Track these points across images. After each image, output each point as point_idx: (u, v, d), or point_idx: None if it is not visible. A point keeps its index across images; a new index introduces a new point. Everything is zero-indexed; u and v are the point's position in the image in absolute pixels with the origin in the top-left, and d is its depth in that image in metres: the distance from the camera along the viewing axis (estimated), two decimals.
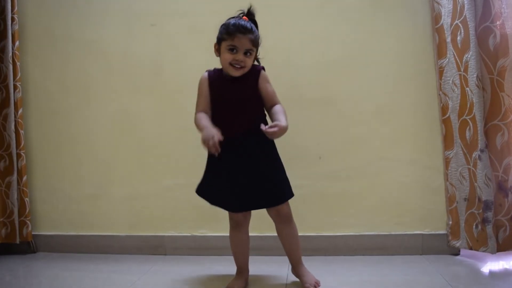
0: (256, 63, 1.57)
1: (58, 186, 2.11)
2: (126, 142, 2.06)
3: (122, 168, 2.06)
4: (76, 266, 1.88)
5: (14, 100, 2.03)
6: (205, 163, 1.96)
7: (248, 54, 1.47)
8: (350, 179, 1.91)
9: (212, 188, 1.53)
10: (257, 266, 1.74)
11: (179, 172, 2.01)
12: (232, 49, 1.46)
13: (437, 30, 1.81)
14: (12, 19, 2.04)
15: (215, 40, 1.98)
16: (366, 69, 1.92)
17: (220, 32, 1.50)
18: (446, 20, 1.78)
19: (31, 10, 2.13)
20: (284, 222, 1.54)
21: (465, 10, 1.70)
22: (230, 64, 1.47)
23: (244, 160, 1.48)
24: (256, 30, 1.49)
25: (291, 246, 1.57)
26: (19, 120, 2.06)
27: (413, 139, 1.89)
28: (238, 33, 1.43)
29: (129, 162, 2.06)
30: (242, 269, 1.59)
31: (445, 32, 1.79)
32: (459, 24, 1.73)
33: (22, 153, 2.06)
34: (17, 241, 2.04)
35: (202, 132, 1.43)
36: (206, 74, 1.56)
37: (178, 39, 2.02)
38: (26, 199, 2.06)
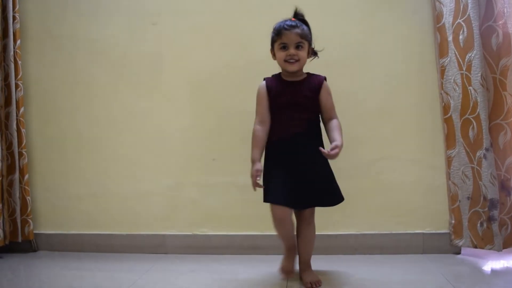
0: (312, 56, 1.61)
1: (60, 185, 2.11)
2: (127, 141, 2.06)
3: (123, 167, 2.06)
4: (77, 265, 1.88)
5: (15, 99, 2.04)
6: (205, 162, 1.98)
7: (300, 47, 1.52)
8: (352, 179, 1.90)
9: (274, 187, 1.51)
10: (259, 265, 1.74)
11: (180, 171, 2.02)
12: (283, 47, 1.52)
13: (439, 29, 1.81)
14: (14, 18, 2.04)
15: (215, 39, 1.98)
16: (367, 68, 1.91)
17: (271, 36, 1.56)
18: (447, 19, 1.78)
19: (33, 9, 2.13)
20: (304, 223, 1.58)
21: (469, 9, 1.69)
22: (285, 60, 1.53)
23: (299, 160, 1.51)
24: (303, 25, 1.54)
25: (303, 247, 1.59)
26: (21, 119, 2.06)
27: (414, 138, 1.89)
28: (284, 30, 1.51)
29: (130, 161, 2.06)
30: (290, 248, 1.54)
31: (447, 31, 1.78)
32: (462, 23, 1.72)
33: (24, 152, 2.06)
34: (19, 240, 2.04)
35: (252, 164, 1.51)
36: (263, 82, 1.60)
37: (179, 38, 2.02)
38: (28, 198, 2.06)
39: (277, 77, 1.61)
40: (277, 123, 1.55)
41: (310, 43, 1.57)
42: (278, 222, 1.49)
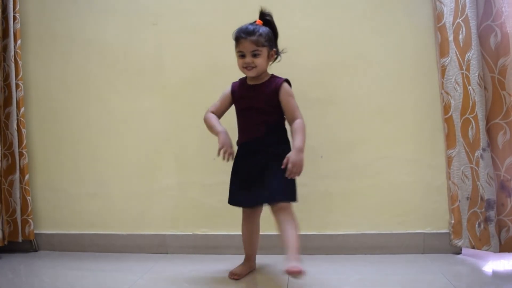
0: (273, 59, 1.64)
1: (60, 184, 2.11)
2: (127, 141, 2.06)
3: (123, 167, 2.06)
4: (77, 265, 1.89)
5: (16, 99, 2.04)
6: (205, 162, 1.98)
7: (256, 55, 1.54)
8: (352, 178, 1.91)
9: (231, 189, 1.63)
10: (258, 265, 1.74)
11: (180, 171, 2.02)
12: (241, 55, 1.56)
13: (439, 28, 1.81)
14: (14, 18, 2.04)
15: (215, 39, 1.99)
16: (368, 68, 1.91)
17: None
18: (448, 18, 1.78)
19: (33, 9, 2.13)
20: (278, 222, 1.58)
21: (467, 8, 1.69)
22: (243, 67, 1.57)
23: (256, 162, 1.56)
24: (262, 30, 1.55)
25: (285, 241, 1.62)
26: (21, 119, 2.06)
27: (415, 138, 1.89)
28: (241, 38, 1.54)
29: (131, 160, 2.06)
30: (247, 257, 1.70)
31: (447, 30, 1.78)
32: (461, 23, 1.72)
33: (24, 152, 2.06)
34: (20, 240, 2.04)
35: (218, 135, 1.55)
36: (231, 85, 1.67)
37: (179, 38, 2.02)
38: (28, 198, 2.06)
39: (242, 81, 1.66)
40: (240, 127, 1.62)
41: (271, 47, 1.58)
42: (243, 221, 1.66)
